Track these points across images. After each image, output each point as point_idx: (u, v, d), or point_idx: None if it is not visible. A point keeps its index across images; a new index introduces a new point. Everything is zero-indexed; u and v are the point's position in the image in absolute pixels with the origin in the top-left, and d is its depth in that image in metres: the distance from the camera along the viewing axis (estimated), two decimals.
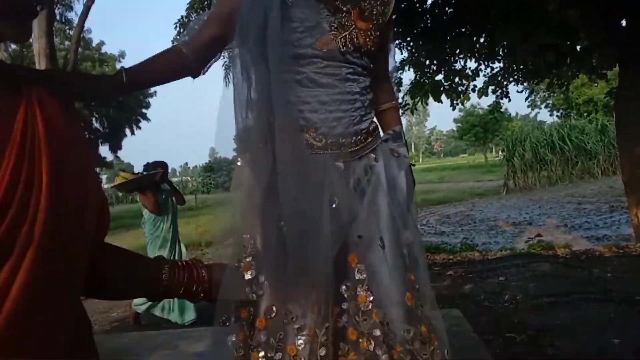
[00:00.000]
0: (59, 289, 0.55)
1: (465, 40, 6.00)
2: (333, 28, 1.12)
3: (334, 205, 1.06)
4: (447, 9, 6.22)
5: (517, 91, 7.18)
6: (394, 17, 1.25)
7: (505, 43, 5.62)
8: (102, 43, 24.31)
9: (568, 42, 5.37)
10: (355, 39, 1.12)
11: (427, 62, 6.35)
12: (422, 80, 6.48)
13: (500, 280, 4.51)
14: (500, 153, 27.96)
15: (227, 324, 1.04)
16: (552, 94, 23.56)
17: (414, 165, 1.27)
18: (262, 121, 1.06)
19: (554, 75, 6.15)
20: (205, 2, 7.00)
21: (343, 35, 1.11)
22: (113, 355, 2.41)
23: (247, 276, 1.06)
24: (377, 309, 1.04)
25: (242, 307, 1.07)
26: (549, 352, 2.86)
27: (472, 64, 6.43)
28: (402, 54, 6.55)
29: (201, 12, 7.20)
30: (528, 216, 11.41)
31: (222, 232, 1.18)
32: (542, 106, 30.33)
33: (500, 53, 6.23)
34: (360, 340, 1.03)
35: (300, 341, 1.02)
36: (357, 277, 1.05)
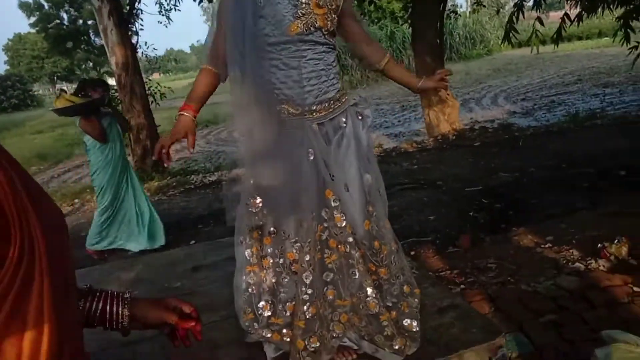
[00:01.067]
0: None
1: None
2: (296, 17, 1.39)
3: (311, 157, 1.44)
4: None
5: None
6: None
7: None
8: None
9: None
10: (315, 22, 1.41)
11: None
12: None
13: None
14: None
15: (243, 242, 1.50)
16: None
17: None
18: (251, 97, 1.40)
19: None
20: None
21: (305, 21, 1.40)
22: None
23: (254, 210, 1.47)
24: (349, 224, 1.46)
25: (253, 230, 1.49)
26: None
27: None
28: None
29: None
30: None
31: (231, 179, 1.56)
32: None
33: None
34: (339, 246, 1.47)
35: (294, 250, 1.44)
36: (333, 205, 1.45)
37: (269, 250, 1.47)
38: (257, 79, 1.39)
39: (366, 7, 9.10)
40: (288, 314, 1.49)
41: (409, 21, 8.61)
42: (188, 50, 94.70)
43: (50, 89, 53.15)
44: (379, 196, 1.57)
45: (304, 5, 1.40)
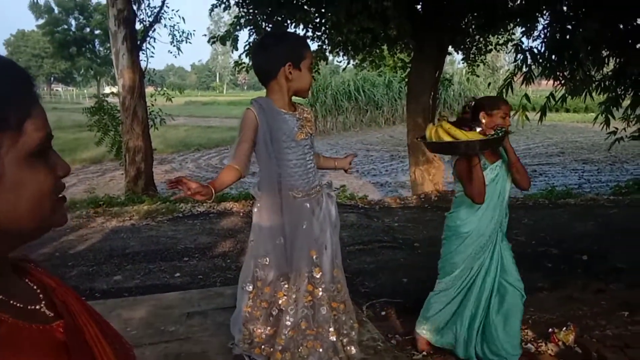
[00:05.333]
0: None
1: (298, 10, 6.58)
2: (299, 128, 1.99)
3: (304, 227, 2.02)
4: None
5: (337, 61, 8.18)
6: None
7: (333, 20, 6.36)
8: None
9: (382, 30, 6.39)
10: (309, 131, 2.02)
11: (264, 25, 6.77)
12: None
13: None
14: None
15: (245, 288, 2.11)
16: None
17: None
18: (272, 184, 2.01)
19: (368, 52, 7.24)
20: None
21: (304, 130, 2.00)
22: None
23: (263, 264, 2.05)
24: (323, 274, 2.02)
25: (257, 280, 2.08)
26: (361, 290, 3.88)
27: (300, 31, 7.06)
28: (239, 12, 6.83)
29: None
30: None
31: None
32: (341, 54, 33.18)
33: (328, 25, 6.99)
34: (314, 290, 2.04)
35: (284, 291, 2.05)
36: (314, 261, 2.02)
37: (267, 295, 2.07)
38: (273, 173, 1.97)
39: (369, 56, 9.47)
40: (269, 335, 2.10)
41: (406, 80, 9.06)
42: (188, 69, 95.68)
43: (45, 89, 53.12)
44: (340, 256, 2.19)
45: (302, 120, 2.01)
